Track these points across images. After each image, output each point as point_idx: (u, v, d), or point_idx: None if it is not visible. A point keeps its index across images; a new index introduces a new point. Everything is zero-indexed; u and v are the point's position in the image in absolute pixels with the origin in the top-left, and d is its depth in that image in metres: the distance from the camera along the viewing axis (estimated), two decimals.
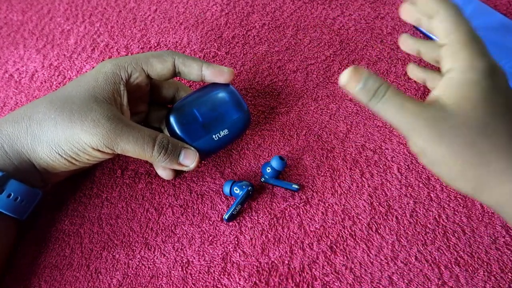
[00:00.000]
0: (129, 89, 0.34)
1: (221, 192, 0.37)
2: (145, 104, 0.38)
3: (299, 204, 0.36)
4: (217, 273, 0.33)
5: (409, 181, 0.36)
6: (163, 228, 0.35)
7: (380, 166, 0.37)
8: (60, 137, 0.31)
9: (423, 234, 0.34)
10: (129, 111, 0.35)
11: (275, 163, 0.36)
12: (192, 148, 0.34)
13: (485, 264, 0.32)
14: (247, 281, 0.32)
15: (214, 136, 0.35)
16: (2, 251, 0.33)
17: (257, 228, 0.35)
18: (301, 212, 0.35)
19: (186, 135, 0.35)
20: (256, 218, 0.35)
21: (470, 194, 0.28)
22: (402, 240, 0.34)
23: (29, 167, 0.32)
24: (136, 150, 0.32)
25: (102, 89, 0.32)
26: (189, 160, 0.34)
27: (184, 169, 0.35)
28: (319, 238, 0.34)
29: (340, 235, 0.34)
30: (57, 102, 0.32)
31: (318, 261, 0.33)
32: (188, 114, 0.35)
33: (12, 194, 0.31)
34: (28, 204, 0.33)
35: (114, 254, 0.34)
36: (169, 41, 0.49)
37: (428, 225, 0.34)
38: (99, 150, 0.31)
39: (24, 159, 0.32)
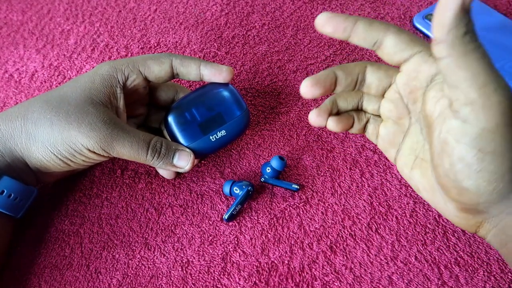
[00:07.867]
0: (126, 92, 0.34)
1: (221, 192, 0.37)
2: (144, 106, 0.38)
3: (299, 204, 0.36)
4: (217, 273, 0.33)
5: None
6: (163, 228, 0.35)
7: (380, 166, 0.37)
8: (57, 138, 0.31)
9: (423, 234, 0.34)
10: (126, 114, 0.35)
11: (275, 163, 0.36)
12: (187, 150, 0.34)
13: (485, 264, 0.32)
14: (247, 281, 0.32)
15: (211, 137, 0.35)
16: None
17: (257, 228, 0.35)
18: (301, 212, 0.35)
19: (183, 136, 0.35)
20: (256, 218, 0.35)
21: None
22: (402, 240, 0.34)
23: (22, 165, 0.32)
24: (131, 154, 0.32)
25: (99, 92, 0.32)
26: (183, 162, 0.34)
27: (180, 170, 0.35)
28: (319, 238, 0.34)
29: (340, 235, 0.34)
30: (53, 102, 0.32)
31: (318, 261, 0.33)
32: (186, 113, 0.35)
33: (5, 191, 0.31)
34: (22, 202, 0.33)
35: (114, 254, 0.34)
36: (169, 41, 0.49)
37: (428, 225, 0.34)
38: (95, 152, 0.32)
39: (17, 157, 0.32)
